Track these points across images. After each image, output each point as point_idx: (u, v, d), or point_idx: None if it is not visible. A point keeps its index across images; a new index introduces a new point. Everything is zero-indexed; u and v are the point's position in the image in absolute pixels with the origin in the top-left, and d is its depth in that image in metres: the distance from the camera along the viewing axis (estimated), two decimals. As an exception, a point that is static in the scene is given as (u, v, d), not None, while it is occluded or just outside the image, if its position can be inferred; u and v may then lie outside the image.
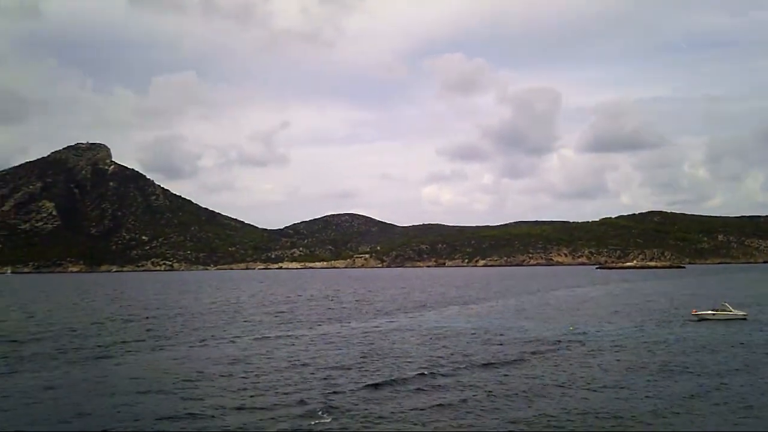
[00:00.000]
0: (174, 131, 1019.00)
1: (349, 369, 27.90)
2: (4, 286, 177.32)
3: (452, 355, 31.35)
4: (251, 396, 22.62)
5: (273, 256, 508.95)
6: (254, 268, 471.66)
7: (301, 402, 22.04)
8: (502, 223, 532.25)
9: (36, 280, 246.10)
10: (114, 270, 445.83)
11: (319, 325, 45.44)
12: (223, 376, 26.35)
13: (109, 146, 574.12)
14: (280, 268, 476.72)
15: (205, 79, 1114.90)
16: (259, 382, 24.61)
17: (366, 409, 21.02)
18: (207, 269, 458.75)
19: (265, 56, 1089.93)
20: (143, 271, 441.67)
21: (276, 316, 51.75)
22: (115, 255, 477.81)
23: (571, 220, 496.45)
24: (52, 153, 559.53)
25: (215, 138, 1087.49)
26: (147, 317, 54.56)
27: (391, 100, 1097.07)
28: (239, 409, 21.10)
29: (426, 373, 25.76)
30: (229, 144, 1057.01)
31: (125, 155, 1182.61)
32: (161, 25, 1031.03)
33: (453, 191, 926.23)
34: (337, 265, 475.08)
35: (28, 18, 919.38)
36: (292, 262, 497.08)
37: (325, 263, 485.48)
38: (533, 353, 32.11)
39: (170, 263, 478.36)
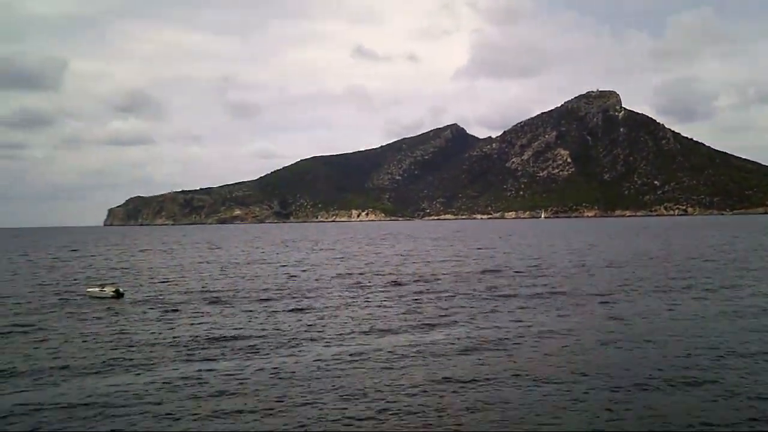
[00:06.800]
0: (688, 72, 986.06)
1: None
2: (547, 227, 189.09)
3: None
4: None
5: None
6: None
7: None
8: None
9: (564, 223, 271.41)
10: (627, 215, 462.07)
11: None
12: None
13: (618, 92, 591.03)
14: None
15: (722, 16, 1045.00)
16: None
17: None
18: (722, 214, 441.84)
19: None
20: (655, 215, 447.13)
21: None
22: (627, 200, 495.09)
23: None
24: (565, 102, 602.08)
25: (732, 76, 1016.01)
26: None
27: None
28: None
29: None
30: (748, 81, 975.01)
31: (634, 100, 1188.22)
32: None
33: None
34: None
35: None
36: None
37: None
38: None
39: (683, 207, 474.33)
